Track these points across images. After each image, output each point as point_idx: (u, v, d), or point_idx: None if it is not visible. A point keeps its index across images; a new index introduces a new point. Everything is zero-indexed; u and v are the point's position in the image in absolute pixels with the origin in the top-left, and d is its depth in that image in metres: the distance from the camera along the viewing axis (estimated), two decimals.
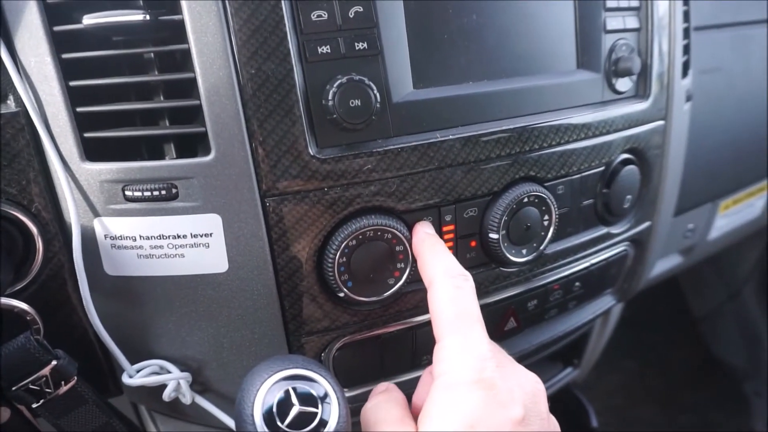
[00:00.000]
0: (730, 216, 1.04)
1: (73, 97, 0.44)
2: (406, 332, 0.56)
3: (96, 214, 0.46)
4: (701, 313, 1.58)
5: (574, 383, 0.93)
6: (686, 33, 0.70)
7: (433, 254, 0.47)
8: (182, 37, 0.43)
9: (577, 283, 0.65)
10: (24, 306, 0.40)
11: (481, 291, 0.57)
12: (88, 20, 0.41)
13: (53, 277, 0.48)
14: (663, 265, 0.95)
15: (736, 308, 1.50)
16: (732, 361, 1.55)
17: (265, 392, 0.38)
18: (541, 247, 0.57)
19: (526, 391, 0.40)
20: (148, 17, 0.41)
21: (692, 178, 0.79)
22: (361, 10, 0.46)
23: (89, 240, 0.46)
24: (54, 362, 0.41)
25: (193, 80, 0.44)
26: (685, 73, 0.70)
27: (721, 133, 0.88)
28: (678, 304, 1.60)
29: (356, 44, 0.46)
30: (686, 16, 0.70)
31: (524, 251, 0.56)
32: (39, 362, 0.40)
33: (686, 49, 0.70)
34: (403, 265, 0.50)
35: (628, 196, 0.64)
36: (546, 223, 0.56)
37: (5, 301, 0.40)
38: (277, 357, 0.41)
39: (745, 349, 1.52)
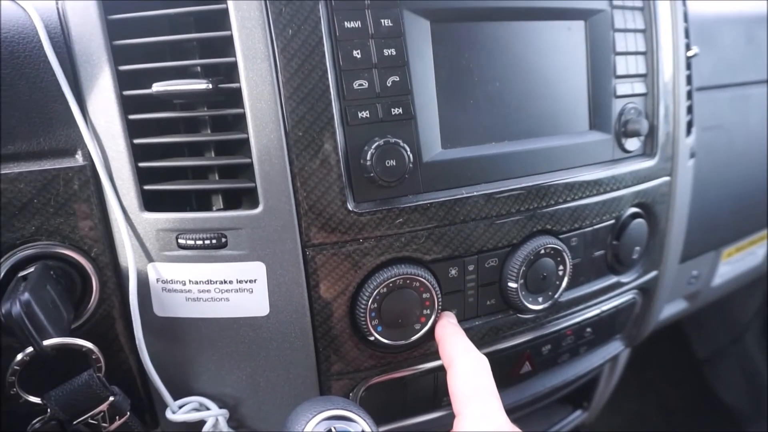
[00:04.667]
0: (733, 263, 1.08)
1: (136, 153, 0.49)
2: (429, 374, 0.59)
3: (150, 260, 0.50)
4: (704, 355, 1.59)
5: (582, 426, 0.94)
6: (689, 95, 0.75)
7: (454, 339, 0.51)
8: (238, 102, 0.48)
9: (588, 329, 0.69)
10: (90, 345, 0.44)
11: (500, 336, 0.60)
12: (158, 87, 0.46)
13: (105, 317, 0.51)
14: (669, 310, 0.98)
15: (739, 351, 1.51)
16: (735, 403, 1.55)
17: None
18: (556, 296, 0.61)
19: None
20: (210, 86, 0.46)
21: (696, 228, 0.83)
22: (398, 79, 0.51)
23: (142, 283, 0.50)
24: (111, 398, 0.44)
25: (245, 140, 0.48)
26: (688, 132, 0.75)
27: (722, 185, 0.93)
28: (680, 346, 1.62)
29: (392, 110, 0.51)
30: (689, 79, 0.75)
31: (540, 299, 0.60)
32: (98, 398, 0.43)
33: (689, 110, 0.75)
34: (429, 312, 0.54)
35: (637, 248, 0.68)
36: (561, 273, 0.60)
37: (73, 341, 0.43)
38: (318, 398, 0.44)
39: (747, 393, 1.53)
